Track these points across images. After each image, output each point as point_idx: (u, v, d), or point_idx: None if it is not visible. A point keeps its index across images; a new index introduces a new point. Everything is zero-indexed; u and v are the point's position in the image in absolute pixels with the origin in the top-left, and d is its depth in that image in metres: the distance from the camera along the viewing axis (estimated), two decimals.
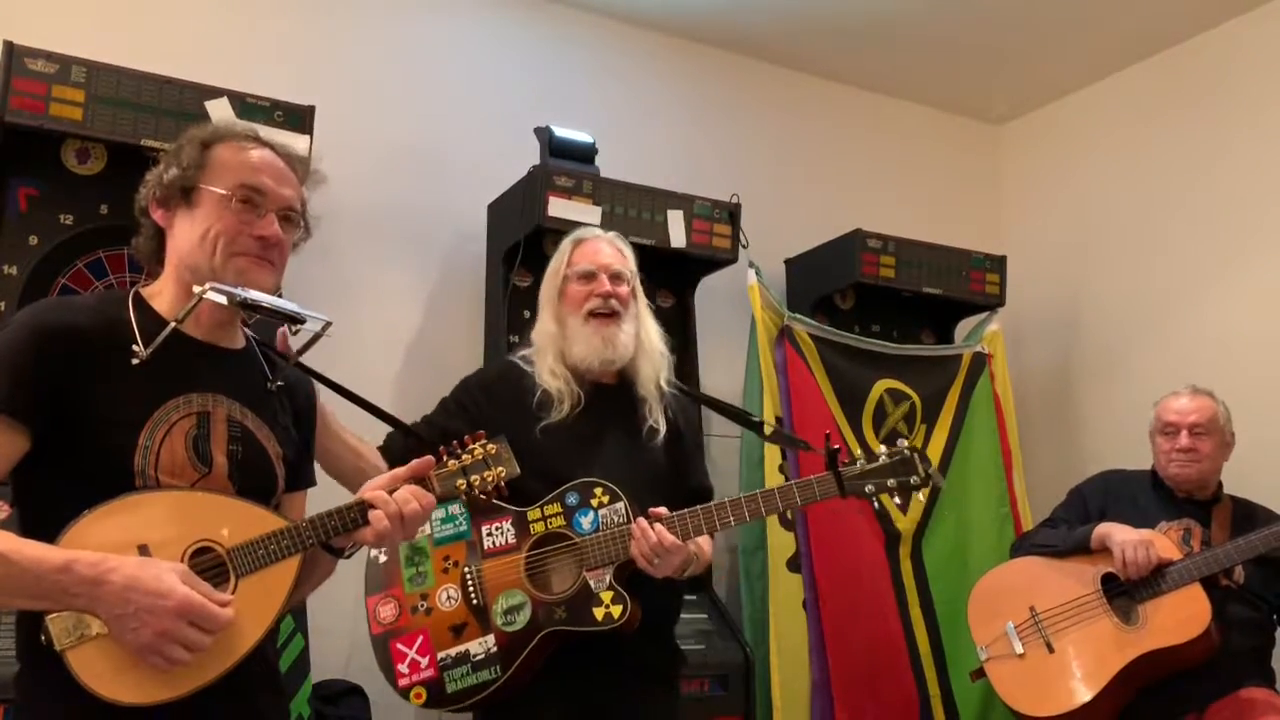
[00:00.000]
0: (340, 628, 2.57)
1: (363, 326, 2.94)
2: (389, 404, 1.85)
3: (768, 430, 2.34)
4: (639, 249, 2.98)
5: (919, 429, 3.38)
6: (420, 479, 1.48)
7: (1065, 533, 2.75)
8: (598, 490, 1.91)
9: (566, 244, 2.14)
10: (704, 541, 1.98)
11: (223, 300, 1.37)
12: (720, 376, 3.36)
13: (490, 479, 1.53)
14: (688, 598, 2.87)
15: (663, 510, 1.89)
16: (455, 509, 1.95)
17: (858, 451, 1.97)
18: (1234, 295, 3.45)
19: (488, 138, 3.33)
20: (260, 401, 1.48)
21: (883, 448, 1.97)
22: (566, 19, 3.57)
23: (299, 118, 2.57)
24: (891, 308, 3.69)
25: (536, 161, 3.00)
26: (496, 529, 1.93)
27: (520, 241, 2.95)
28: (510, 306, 3.00)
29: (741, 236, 3.20)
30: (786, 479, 2.98)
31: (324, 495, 1.59)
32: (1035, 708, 2.54)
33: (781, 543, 3.08)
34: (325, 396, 1.68)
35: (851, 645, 3.02)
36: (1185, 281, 3.60)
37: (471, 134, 3.34)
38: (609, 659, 1.89)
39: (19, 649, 1.35)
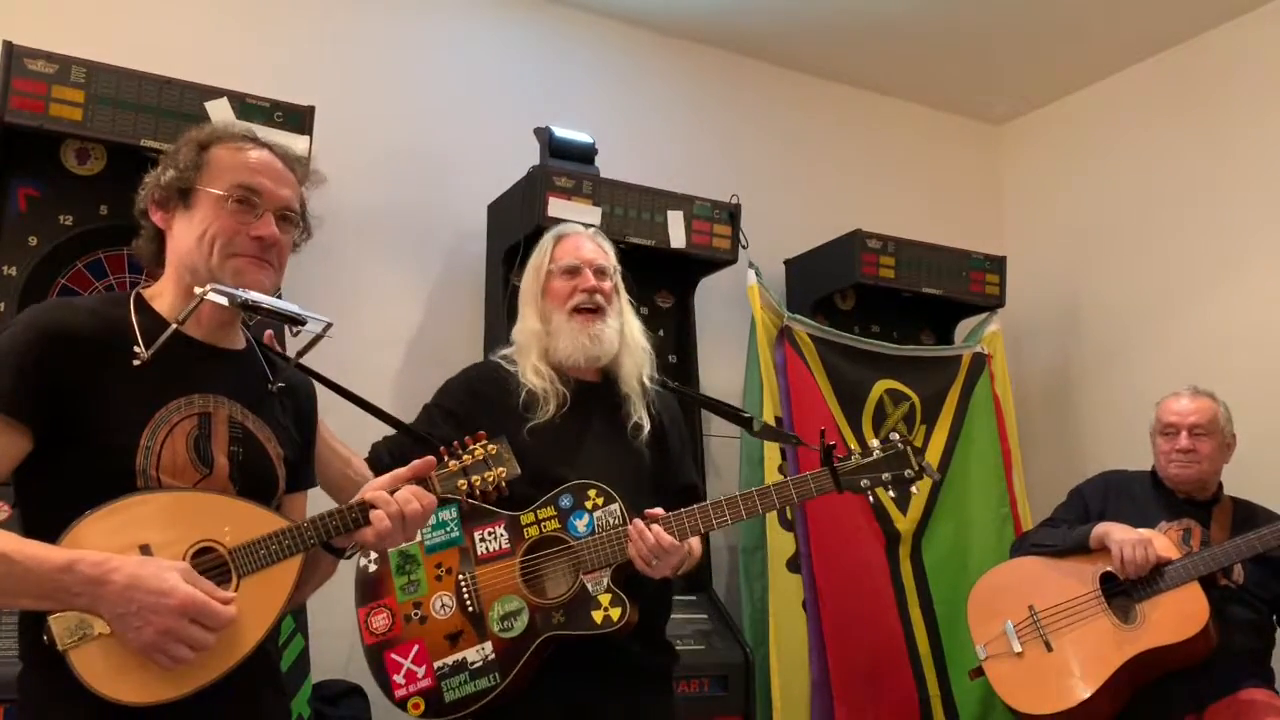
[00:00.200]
0: (340, 628, 2.55)
1: (363, 326, 2.94)
2: (389, 404, 1.84)
3: (756, 427, 2.32)
4: (639, 249, 3.02)
5: (919, 429, 3.38)
6: (421, 479, 1.48)
7: (1064, 532, 2.76)
8: (591, 492, 1.89)
9: (547, 240, 2.12)
10: (694, 538, 1.97)
11: (224, 301, 1.37)
12: (720, 377, 3.36)
13: (491, 479, 1.53)
14: (688, 598, 2.90)
15: (659, 511, 1.88)
16: (446, 515, 1.92)
17: (855, 447, 1.97)
18: (1234, 295, 3.45)
19: (488, 138, 3.33)
20: (261, 402, 1.48)
21: (875, 442, 1.97)
22: (567, 19, 3.57)
23: (299, 118, 2.57)
24: (891, 308, 3.69)
25: (536, 161, 3.00)
26: (489, 534, 1.90)
27: (520, 241, 2.94)
28: (510, 306, 2.97)
29: (741, 237, 3.20)
30: (785, 479, 2.98)
31: (323, 495, 1.59)
32: (1034, 706, 2.54)
33: (781, 543, 3.08)
34: (325, 397, 1.68)
35: (851, 645, 3.02)
36: (1185, 281, 3.60)
37: (471, 134, 3.34)
38: (603, 660, 1.88)
39: (22, 649, 1.35)
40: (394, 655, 1.87)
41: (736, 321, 3.41)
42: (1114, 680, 2.49)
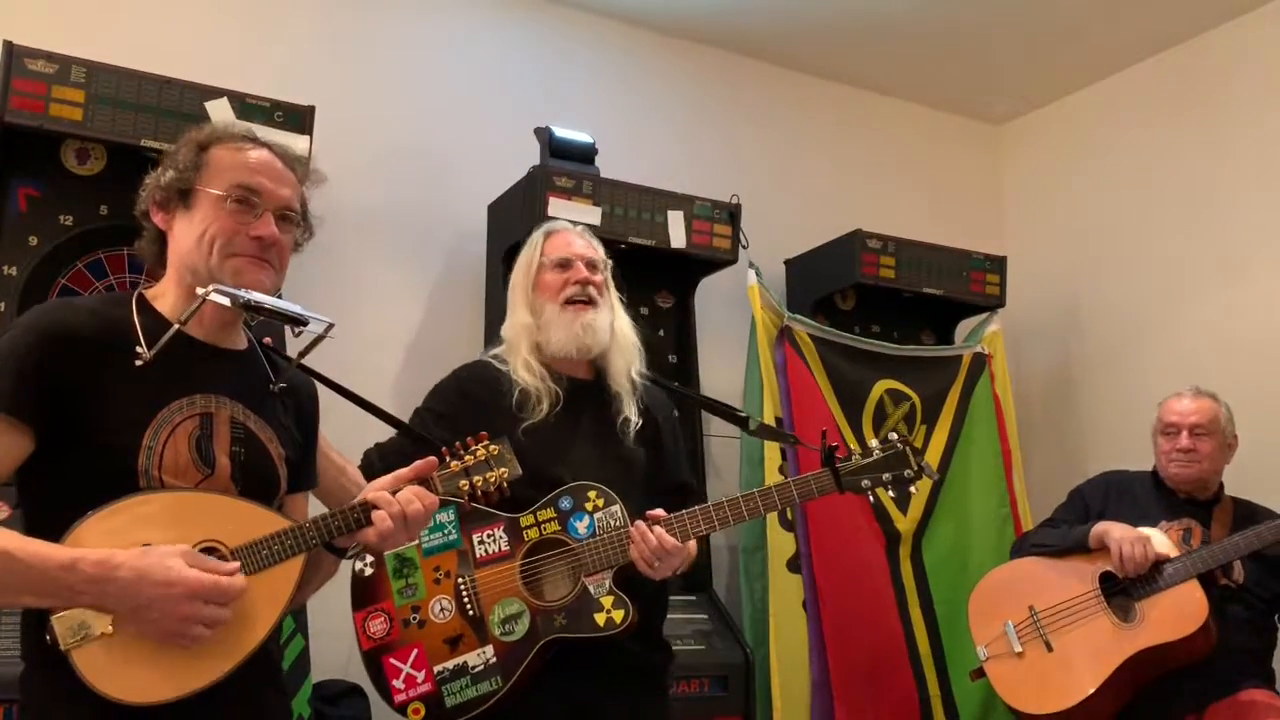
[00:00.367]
0: (340, 628, 2.55)
1: (363, 326, 2.94)
2: (388, 404, 1.83)
3: (752, 426, 2.32)
4: (639, 249, 3.02)
5: (919, 429, 3.38)
6: (423, 480, 1.48)
7: (1064, 532, 2.76)
8: (592, 494, 1.88)
9: (537, 236, 2.11)
10: None
11: (226, 302, 1.37)
12: (720, 377, 3.36)
13: (493, 480, 1.52)
14: (688, 598, 2.89)
15: (660, 512, 1.87)
16: (443, 517, 1.90)
17: (855, 447, 1.97)
18: (1234, 295, 3.45)
19: (488, 138, 3.33)
20: (263, 403, 1.48)
21: (874, 441, 1.96)
22: (567, 19, 3.57)
23: (299, 118, 2.57)
24: (891, 308, 3.69)
25: (536, 162, 3.00)
26: (489, 536, 1.89)
27: (520, 241, 2.94)
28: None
29: (741, 237, 3.20)
30: (786, 479, 2.98)
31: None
32: (1035, 706, 2.54)
33: (781, 543, 3.08)
34: (325, 398, 1.68)
35: (851, 645, 3.02)
36: (1185, 281, 3.60)
37: (471, 134, 3.34)
38: (602, 660, 1.87)
39: (24, 649, 1.36)
40: (392, 660, 1.84)
41: (736, 321, 3.41)
42: (1114, 679, 2.49)
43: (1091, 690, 2.48)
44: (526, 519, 1.89)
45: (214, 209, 1.41)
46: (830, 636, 3.00)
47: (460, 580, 1.87)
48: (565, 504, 1.89)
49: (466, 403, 1.99)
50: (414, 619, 1.86)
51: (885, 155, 4.12)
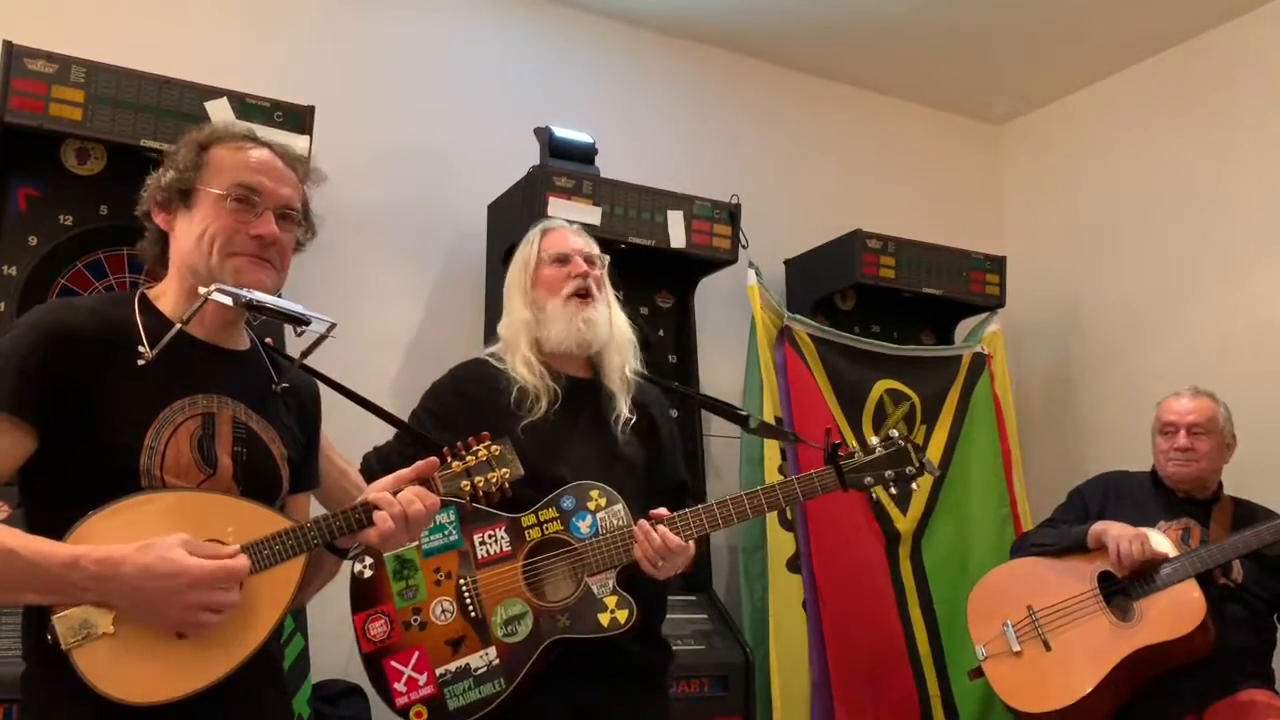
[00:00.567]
0: (340, 629, 2.55)
1: (363, 326, 2.94)
2: (388, 404, 1.83)
3: (753, 424, 2.32)
4: (639, 249, 3.02)
5: (919, 429, 3.38)
6: (424, 480, 1.47)
7: (1063, 532, 2.76)
8: (594, 493, 1.87)
9: (534, 234, 2.10)
10: None
11: (228, 301, 1.37)
12: (720, 377, 3.36)
13: (495, 480, 1.52)
14: (688, 598, 2.89)
15: (664, 511, 1.87)
16: (444, 518, 1.88)
17: (855, 446, 1.97)
18: (1234, 295, 3.45)
19: (488, 138, 3.33)
20: (265, 403, 1.48)
21: (875, 439, 1.97)
22: (567, 19, 3.57)
23: (299, 118, 2.57)
24: (891, 308, 3.69)
25: (536, 162, 3.00)
26: (490, 537, 1.87)
27: (520, 241, 2.94)
28: None
29: (741, 237, 3.20)
30: (790, 477, 2.98)
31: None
32: (1033, 705, 2.55)
33: (781, 543, 3.08)
34: (326, 399, 1.68)
35: (851, 645, 3.02)
36: (1185, 281, 3.61)
37: (471, 134, 3.34)
38: (603, 660, 1.86)
39: (25, 648, 1.36)
40: (393, 663, 1.82)
41: (736, 321, 3.41)
42: (1112, 677, 2.49)
43: (1089, 689, 2.48)
44: (528, 519, 1.88)
45: (214, 208, 1.41)
46: (830, 636, 3.00)
47: (462, 581, 1.86)
48: (567, 503, 1.87)
49: (464, 402, 1.98)
50: (415, 621, 1.84)
51: (885, 155, 4.13)
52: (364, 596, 1.87)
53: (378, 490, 1.43)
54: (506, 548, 1.87)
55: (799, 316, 3.32)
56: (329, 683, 2.61)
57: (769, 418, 3.11)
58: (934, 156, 4.24)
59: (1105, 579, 2.61)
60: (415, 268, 3.22)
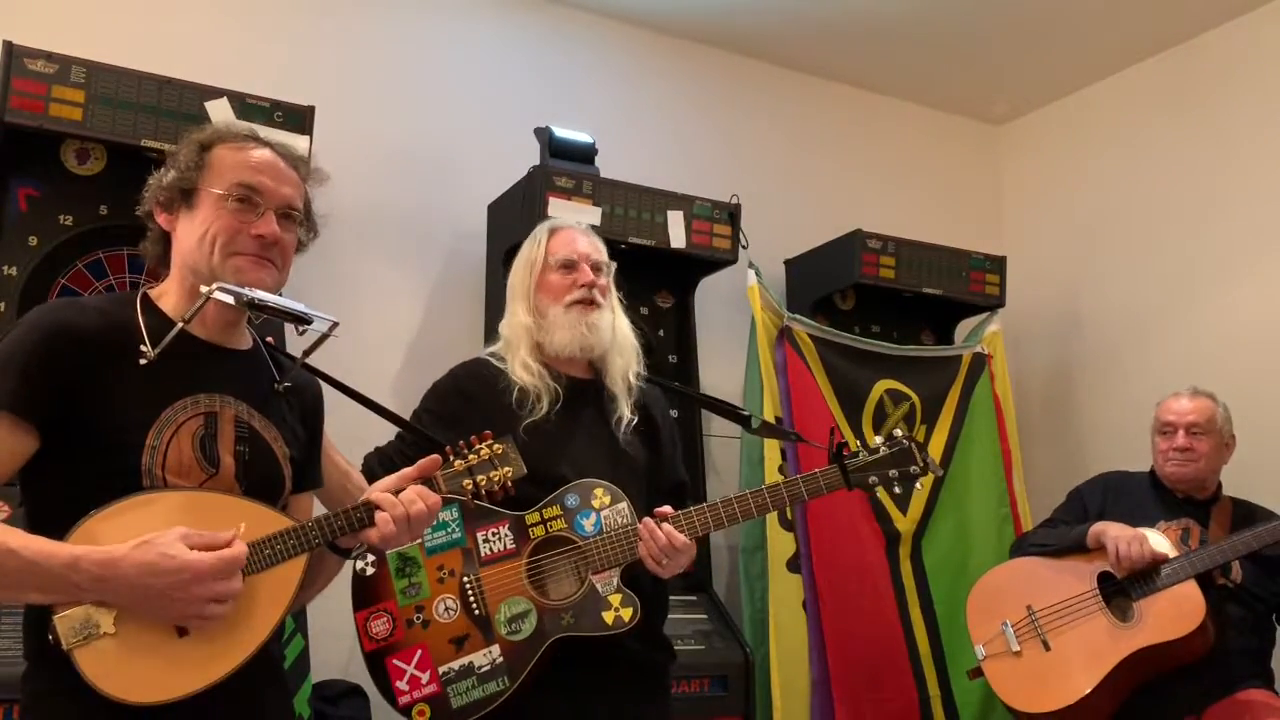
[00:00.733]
0: (340, 628, 2.56)
1: (363, 326, 2.94)
2: (388, 404, 1.82)
3: (755, 424, 2.31)
4: (639, 249, 3.02)
5: (919, 429, 3.38)
6: (426, 479, 1.47)
7: (1063, 532, 2.76)
8: (598, 491, 1.87)
9: (540, 234, 2.08)
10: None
11: (230, 300, 1.37)
12: (720, 377, 3.36)
13: (497, 479, 1.52)
14: (688, 598, 2.89)
15: (668, 509, 1.86)
16: (447, 516, 1.87)
17: (855, 446, 1.96)
18: (1234, 295, 3.46)
19: (487, 138, 3.33)
20: (267, 402, 1.48)
21: (879, 439, 1.96)
22: (567, 19, 3.57)
23: (299, 118, 2.57)
24: (891, 308, 3.69)
25: (536, 162, 3.00)
26: (493, 535, 1.86)
27: (520, 241, 2.94)
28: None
29: (741, 237, 3.20)
30: (794, 476, 2.98)
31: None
32: (1033, 705, 2.54)
33: (781, 543, 3.08)
34: (328, 398, 1.68)
35: (851, 645, 3.02)
36: (1185, 281, 3.61)
37: (471, 134, 3.34)
38: (606, 659, 1.86)
39: (26, 648, 1.36)
40: (396, 661, 1.81)
41: (736, 321, 3.41)
42: (1112, 677, 2.49)
43: (1088, 690, 2.48)
44: (532, 516, 1.87)
45: (216, 208, 1.41)
46: (830, 636, 3.01)
47: (466, 579, 1.85)
48: (571, 501, 1.87)
49: (465, 402, 1.97)
50: (418, 619, 1.83)
51: (885, 155, 4.13)
52: (366, 594, 1.86)
53: (379, 490, 1.43)
54: (510, 545, 1.86)
55: (799, 316, 3.32)
56: (329, 683, 2.62)
57: (769, 418, 3.11)
58: (934, 156, 4.24)
59: (1105, 579, 2.61)
60: (415, 268, 3.22)
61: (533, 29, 3.51)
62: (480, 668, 1.81)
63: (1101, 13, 3.54)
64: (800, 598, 3.04)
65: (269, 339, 1.61)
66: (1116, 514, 2.73)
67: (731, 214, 3.18)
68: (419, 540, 1.84)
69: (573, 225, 2.11)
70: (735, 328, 3.41)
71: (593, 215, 2.90)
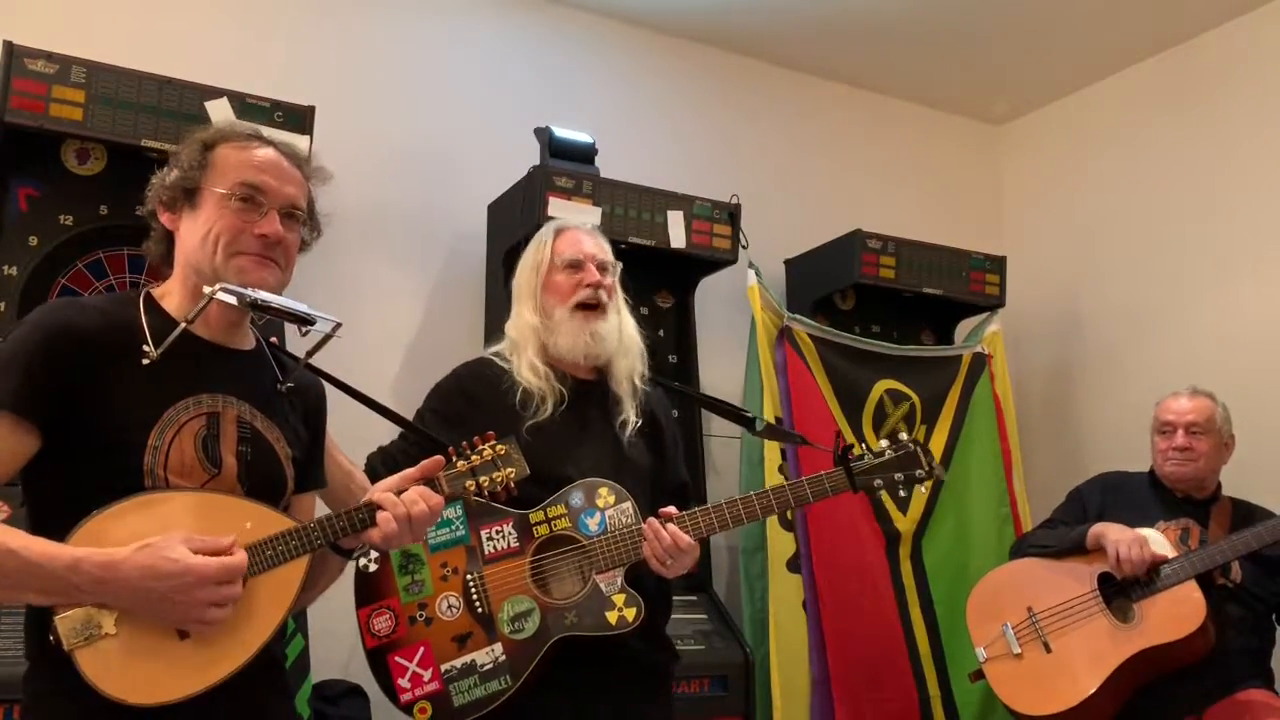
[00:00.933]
0: (340, 628, 2.56)
1: (363, 326, 2.93)
2: (388, 404, 1.83)
3: (759, 427, 2.31)
4: (639, 249, 3.01)
5: (919, 429, 3.38)
6: (429, 480, 1.47)
7: (1062, 533, 2.76)
8: (603, 490, 1.86)
9: (547, 234, 2.08)
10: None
11: (233, 301, 1.37)
12: (720, 377, 3.36)
13: (500, 480, 1.52)
14: (688, 598, 2.89)
15: (672, 510, 1.86)
16: (451, 513, 1.86)
17: (859, 449, 1.96)
18: (1234, 295, 3.46)
19: (487, 138, 3.33)
20: (270, 403, 1.48)
21: (884, 442, 1.95)
22: (567, 19, 3.57)
23: (299, 118, 2.56)
24: (891, 308, 3.69)
25: (536, 162, 3.00)
26: (497, 533, 1.86)
27: (520, 242, 2.92)
28: (510, 307, 2.99)
29: (741, 237, 3.20)
30: (786, 479, 2.98)
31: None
32: (1034, 707, 2.54)
33: (781, 543, 3.08)
34: (330, 398, 1.67)
35: (851, 645, 3.02)
36: (1185, 281, 3.61)
37: (471, 134, 3.33)
38: (609, 659, 1.86)
39: (28, 648, 1.35)
40: (398, 658, 1.81)
41: (736, 321, 3.41)
42: (1113, 679, 2.49)
43: (1090, 691, 2.47)
44: (536, 515, 1.87)
45: (219, 208, 1.41)
46: (830, 636, 3.01)
47: (469, 577, 1.84)
48: (576, 500, 1.87)
49: (469, 402, 1.97)
50: (420, 616, 1.83)
51: (885, 155, 4.12)
52: (369, 591, 1.86)
53: (382, 490, 1.43)
54: (514, 544, 1.86)
55: (799, 317, 3.32)
56: (329, 683, 2.61)
57: (769, 418, 3.11)
58: (934, 156, 4.24)
59: (1105, 580, 2.61)
60: (415, 268, 3.22)
61: (533, 29, 3.51)
62: (483, 666, 1.81)
63: (1101, 13, 3.54)
64: (800, 598, 3.04)
65: (273, 339, 1.61)
66: (1116, 514, 2.73)
67: (731, 214, 3.18)
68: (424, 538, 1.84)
69: (579, 225, 2.11)
70: (735, 328, 3.41)
71: (593, 215, 2.90)
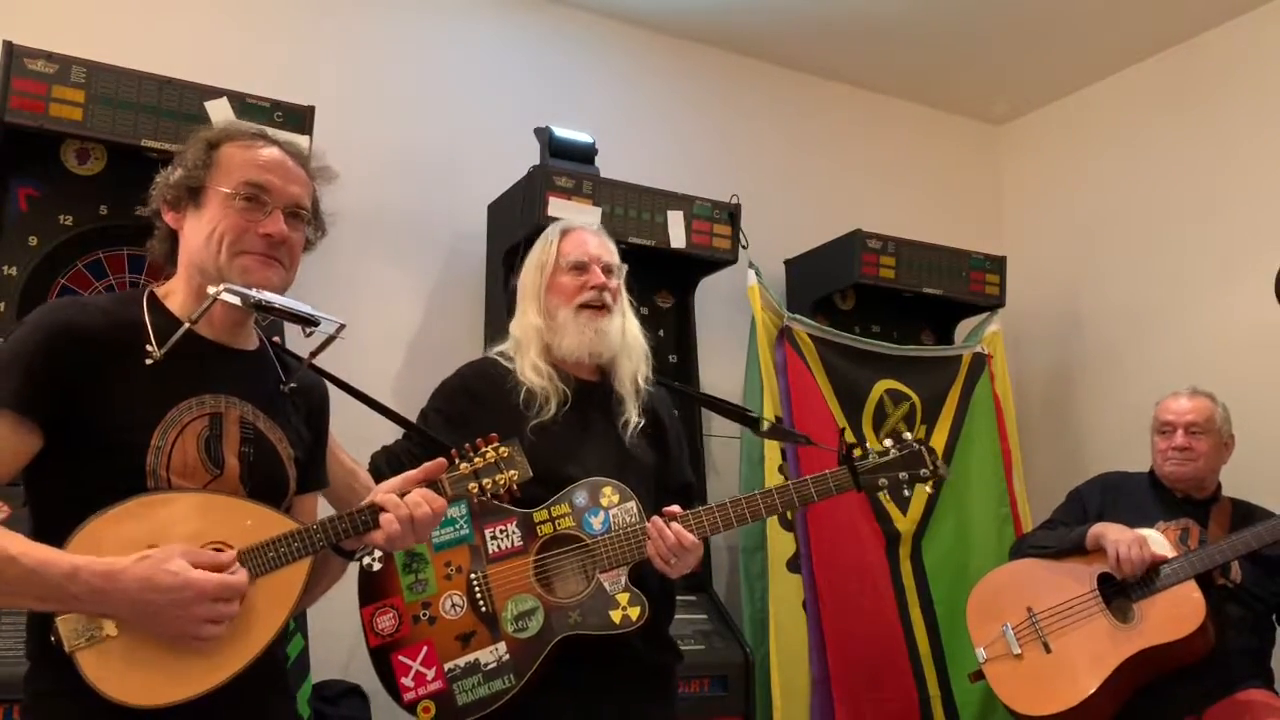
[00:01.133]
0: (340, 628, 2.56)
1: (363, 326, 2.92)
2: (388, 404, 1.83)
3: (763, 427, 2.31)
4: (639, 249, 3.01)
5: (919, 429, 3.37)
6: (432, 482, 1.47)
7: (1062, 533, 2.76)
8: (607, 489, 1.86)
9: (553, 234, 2.08)
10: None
11: (236, 301, 1.37)
12: (720, 377, 3.36)
13: (503, 482, 1.51)
14: (688, 598, 2.89)
15: (676, 509, 1.86)
16: (455, 512, 1.86)
17: (863, 449, 1.96)
18: (1234, 295, 3.46)
19: (487, 137, 3.32)
20: (273, 403, 1.48)
21: (888, 442, 1.95)
22: (567, 19, 3.56)
23: (299, 118, 2.56)
24: (891, 308, 3.69)
25: (536, 162, 3.00)
26: (501, 532, 1.86)
27: (520, 241, 2.92)
28: (510, 307, 2.99)
29: (741, 237, 3.20)
30: (786, 479, 2.98)
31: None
32: (1033, 707, 2.54)
33: (781, 543, 3.08)
34: (333, 399, 1.67)
35: (851, 645, 3.03)
36: (1185, 281, 3.61)
37: (471, 134, 3.33)
38: (612, 658, 1.85)
39: (29, 648, 1.35)
40: (401, 657, 1.81)
41: (736, 321, 3.41)
42: (1113, 680, 2.49)
43: (1090, 692, 2.48)
44: (540, 514, 1.86)
45: (223, 207, 1.41)
46: (830, 636, 3.01)
47: (473, 576, 1.84)
48: (580, 499, 1.86)
49: (473, 401, 1.97)
50: (424, 615, 1.82)
51: (885, 155, 4.13)
52: (372, 590, 1.85)
53: (385, 492, 1.43)
54: (518, 543, 1.86)
55: (799, 316, 3.32)
56: (329, 683, 2.62)
57: (769, 417, 3.11)
58: (934, 156, 4.24)
59: (1105, 580, 2.61)
60: (415, 268, 3.22)
61: (533, 29, 3.51)
62: (486, 665, 1.80)
63: (1101, 13, 3.54)
64: (800, 598, 3.05)
65: (275, 339, 1.61)
66: (1116, 515, 2.73)
67: (731, 214, 3.18)
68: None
69: (585, 226, 2.10)
70: (735, 328, 3.41)
71: (593, 215, 2.90)
